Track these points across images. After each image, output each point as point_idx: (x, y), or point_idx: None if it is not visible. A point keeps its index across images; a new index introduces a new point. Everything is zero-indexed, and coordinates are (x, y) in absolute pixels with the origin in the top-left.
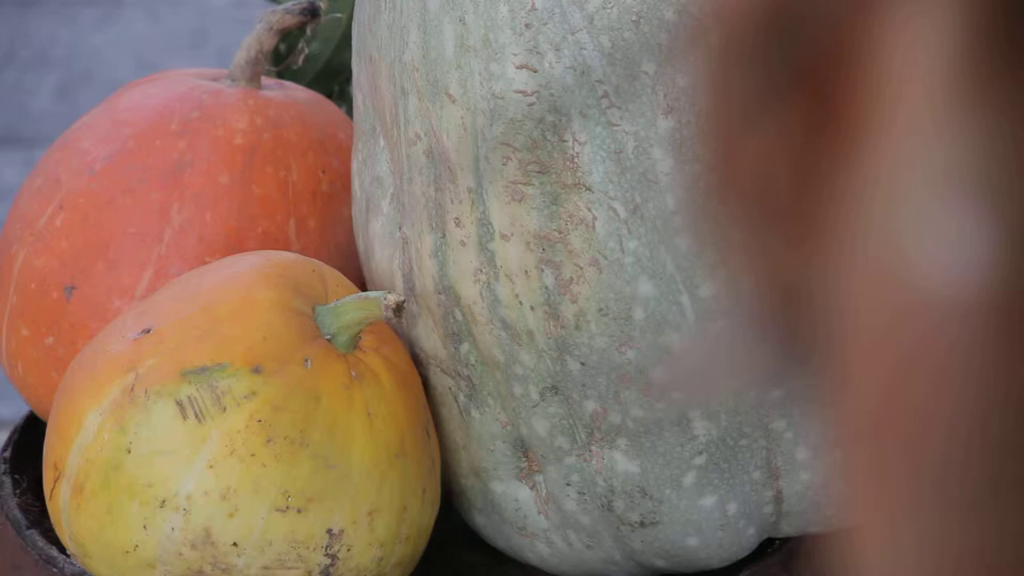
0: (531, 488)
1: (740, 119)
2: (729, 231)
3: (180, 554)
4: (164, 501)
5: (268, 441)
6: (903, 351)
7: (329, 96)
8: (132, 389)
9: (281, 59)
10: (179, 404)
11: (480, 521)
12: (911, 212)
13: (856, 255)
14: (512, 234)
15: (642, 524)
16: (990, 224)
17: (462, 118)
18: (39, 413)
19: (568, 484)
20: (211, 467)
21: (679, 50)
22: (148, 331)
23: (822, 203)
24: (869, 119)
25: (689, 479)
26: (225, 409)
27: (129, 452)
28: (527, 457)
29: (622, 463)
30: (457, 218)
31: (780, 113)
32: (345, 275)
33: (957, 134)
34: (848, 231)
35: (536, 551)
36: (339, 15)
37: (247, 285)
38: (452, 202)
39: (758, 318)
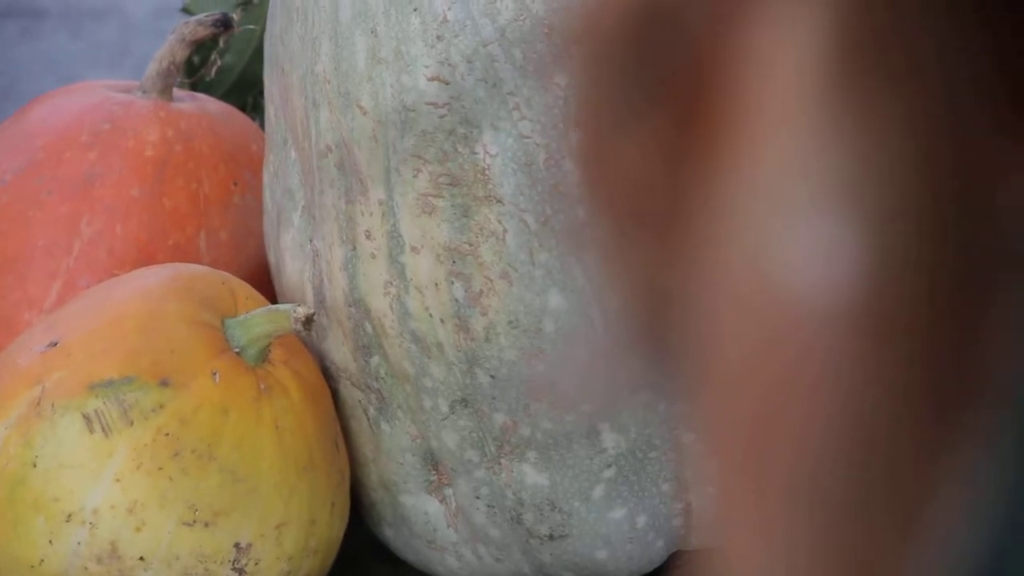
0: (441, 501)
1: (611, 125)
2: (603, 236)
3: (86, 568)
4: (70, 515)
5: (175, 455)
6: (776, 366)
7: (243, 108)
8: (39, 403)
9: (194, 71)
10: (86, 418)
11: (389, 534)
12: (779, 218)
13: (725, 262)
14: (422, 246)
15: (551, 537)
16: (857, 230)
17: (373, 130)
18: None
19: (478, 497)
20: (118, 481)
21: (554, 60)
22: (55, 344)
23: (695, 208)
24: (740, 123)
25: (598, 492)
26: (132, 423)
27: (35, 466)
28: (437, 470)
29: (531, 476)
30: (368, 230)
31: (652, 118)
32: (256, 288)
33: (825, 138)
34: (718, 237)
35: (446, 564)
36: (252, 27)
37: (155, 298)
38: (363, 214)
39: (630, 327)
